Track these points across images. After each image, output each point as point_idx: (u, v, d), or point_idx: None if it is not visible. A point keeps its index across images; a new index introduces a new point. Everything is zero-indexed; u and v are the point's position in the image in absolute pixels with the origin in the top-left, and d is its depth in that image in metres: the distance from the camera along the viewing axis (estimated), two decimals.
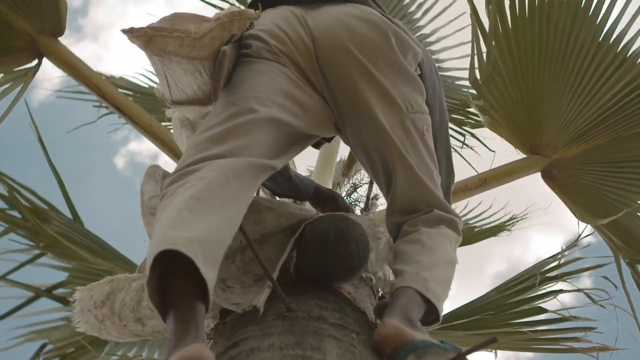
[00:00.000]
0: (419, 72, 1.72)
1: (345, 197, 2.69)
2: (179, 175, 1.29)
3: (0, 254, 3.39)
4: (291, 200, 2.23)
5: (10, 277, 3.36)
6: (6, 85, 3.17)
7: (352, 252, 1.45)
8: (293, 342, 1.13)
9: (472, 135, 3.91)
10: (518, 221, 4.09)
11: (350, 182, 3.31)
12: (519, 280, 3.22)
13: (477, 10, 3.15)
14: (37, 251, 3.43)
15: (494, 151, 3.66)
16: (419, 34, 4.13)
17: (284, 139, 1.49)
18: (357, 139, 1.63)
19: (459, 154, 3.86)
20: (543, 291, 3.19)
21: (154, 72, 1.62)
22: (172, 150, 2.93)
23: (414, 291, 1.34)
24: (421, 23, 4.20)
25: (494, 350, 3.25)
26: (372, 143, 1.60)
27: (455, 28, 4.11)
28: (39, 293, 3.48)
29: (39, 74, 3.24)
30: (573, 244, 3.34)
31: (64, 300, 3.55)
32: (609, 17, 3.03)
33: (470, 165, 3.71)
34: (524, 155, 3.33)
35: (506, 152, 3.42)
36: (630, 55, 3.04)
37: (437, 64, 3.28)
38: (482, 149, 3.86)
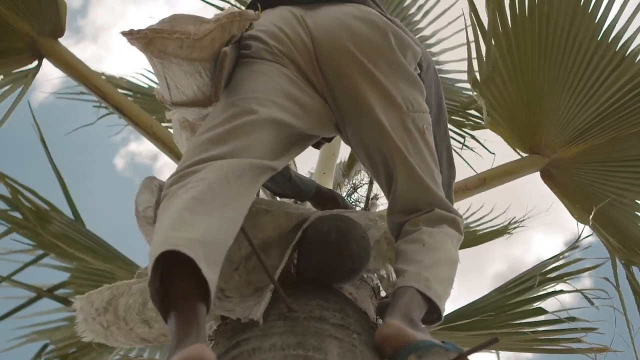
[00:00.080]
0: (419, 72, 1.73)
1: (345, 198, 2.68)
2: (179, 176, 1.29)
3: (1, 254, 3.39)
4: (292, 200, 2.24)
5: (12, 277, 3.36)
6: (7, 87, 3.18)
7: (353, 252, 1.45)
8: (294, 343, 1.13)
9: (472, 137, 3.92)
10: (519, 226, 4.09)
11: (351, 182, 3.31)
12: (520, 281, 3.22)
13: (477, 10, 3.15)
14: (38, 252, 3.44)
15: (493, 153, 3.67)
16: (419, 35, 4.14)
17: (285, 140, 1.49)
18: (358, 138, 1.63)
19: (459, 155, 3.87)
20: (543, 292, 3.19)
21: (154, 73, 1.61)
22: (173, 151, 2.94)
23: (415, 291, 1.34)
24: (421, 25, 4.20)
25: (495, 351, 3.25)
26: (372, 143, 1.60)
27: (455, 30, 4.13)
28: (40, 293, 3.48)
29: (38, 75, 3.25)
30: (573, 245, 3.34)
31: (66, 301, 3.55)
32: (607, 15, 3.04)
33: (471, 167, 3.72)
34: (524, 155, 3.34)
35: (506, 154, 3.43)
36: (629, 54, 3.04)
37: (437, 66, 3.28)
38: (482, 151, 3.87)
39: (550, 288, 3.18)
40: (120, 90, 3.81)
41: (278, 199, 2.23)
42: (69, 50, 3.08)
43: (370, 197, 2.97)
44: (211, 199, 1.21)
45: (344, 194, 3.30)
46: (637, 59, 3.05)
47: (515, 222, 4.07)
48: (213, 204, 1.20)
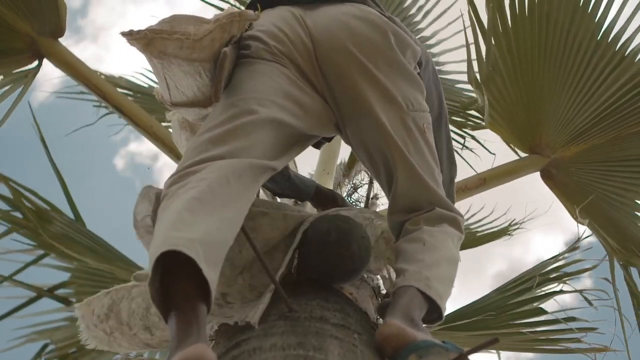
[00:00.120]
0: (418, 71, 1.73)
1: (345, 198, 2.68)
2: (179, 176, 1.29)
3: (2, 254, 3.39)
4: (293, 200, 2.24)
5: (13, 277, 3.36)
6: (7, 87, 3.18)
7: (353, 252, 1.45)
8: (295, 343, 1.13)
9: (473, 137, 3.92)
10: (519, 227, 4.09)
11: (351, 182, 3.32)
12: (520, 282, 3.22)
13: (477, 10, 3.15)
14: (39, 251, 3.44)
15: (494, 153, 3.67)
16: (419, 36, 4.14)
17: (285, 140, 1.49)
18: (358, 138, 1.63)
19: (460, 155, 3.87)
20: (544, 292, 3.20)
21: (154, 73, 1.61)
22: (173, 151, 2.94)
23: (415, 290, 1.34)
24: (421, 26, 4.21)
25: (495, 351, 3.25)
26: (373, 142, 1.60)
27: (455, 30, 4.13)
28: (41, 293, 3.48)
29: (38, 75, 3.25)
30: (573, 245, 3.34)
31: (66, 301, 3.55)
32: (607, 15, 3.04)
33: (471, 167, 3.72)
34: (524, 155, 3.34)
35: (506, 154, 3.43)
36: (628, 53, 3.04)
37: (437, 67, 3.28)
38: (482, 151, 3.87)
39: (550, 289, 3.18)
40: (120, 90, 3.81)
41: (278, 199, 2.23)
42: (69, 50, 3.09)
43: (370, 196, 2.97)
44: (211, 199, 1.21)
45: (344, 194, 3.31)
46: (637, 58, 3.05)
47: (516, 224, 4.07)
48: (213, 204, 1.20)
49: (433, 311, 1.39)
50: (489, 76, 3.16)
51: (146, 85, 4.27)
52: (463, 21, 3.15)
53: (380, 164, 1.62)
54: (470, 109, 3.79)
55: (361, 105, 1.58)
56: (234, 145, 1.35)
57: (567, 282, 3.18)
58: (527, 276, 3.22)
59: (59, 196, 3.52)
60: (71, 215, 3.56)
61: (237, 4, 3.99)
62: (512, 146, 3.41)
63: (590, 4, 3.03)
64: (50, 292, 3.54)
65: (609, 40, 3.04)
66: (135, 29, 1.44)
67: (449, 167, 1.87)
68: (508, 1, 3.09)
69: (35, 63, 3.18)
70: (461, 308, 3.21)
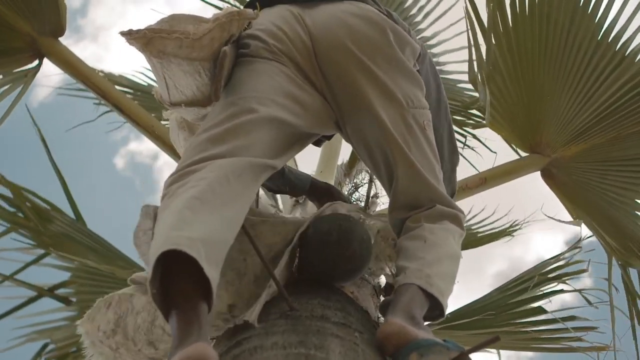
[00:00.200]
0: (417, 68, 1.73)
1: (341, 191, 2.66)
2: (179, 175, 1.29)
3: (2, 250, 3.39)
4: (293, 199, 2.23)
5: (13, 276, 3.36)
6: (6, 87, 3.17)
7: (354, 252, 1.45)
8: (296, 341, 1.13)
9: (474, 136, 3.92)
10: (520, 228, 4.10)
11: (352, 182, 3.31)
12: (521, 281, 3.22)
13: (477, 9, 3.15)
14: (39, 251, 3.44)
15: (495, 152, 3.67)
16: (420, 36, 4.14)
17: (284, 138, 1.49)
18: (358, 135, 1.63)
19: (461, 154, 3.86)
20: (544, 291, 3.20)
21: (153, 73, 1.61)
22: (173, 150, 2.93)
23: (417, 288, 1.34)
24: (422, 26, 4.20)
25: (496, 350, 3.25)
26: (373, 139, 1.60)
27: (456, 31, 4.13)
28: (41, 292, 3.48)
29: (38, 75, 3.25)
30: (574, 245, 3.34)
31: (66, 300, 3.55)
32: (607, 15, 3.03)
33: (473, 166, 3.72)
34: (524, 155, 3.34)
35: (507, 153, 3.43)
36: (628, 53, 3.04)
37: (438, 67, 3.28)
38: (483, 150, 3.87)
39: (550, 288, 3.19)
40: (120, 88, 3.81)
41: (275, 204, 2.22)
42: (69, 50, 3.08)
43: (371, 195, 2.96)
44: (212, 198, 1.20)
45: (345, 193, 3.30)
46: (637, 58, 3.04)
47: (517, 224, 4.07)
48: (214, 203, 1.20)
49: (435, 308, 1.39)
50: (490, 76, 3.16)
51: (146, 84, 4.27)
52: (467, 21, 3.14)
53: (380, 161, 1.62)
54: (472, 108, 3.79)
55: (361, 102, 1.58)
56: (234, 144, 1.35)
57: (566, 282, 3.19)
58: (527, 276, 3.22)
59: (59, 196, 3.53)
60: (72, 215, 3.56)
61: (237, 4, 3.98)
62: (513, 145, 3.41)
63: (590, 4, 3.03)
64: (50, 291, 3.54)
65: (609, 40, 3.04)
66: (135, 28, 1.44)
67: (451, 155, 1.87)
68: (508, 1, 3.09)
69: (36, 62, 3.17)
70: (462, 307, 3.21)
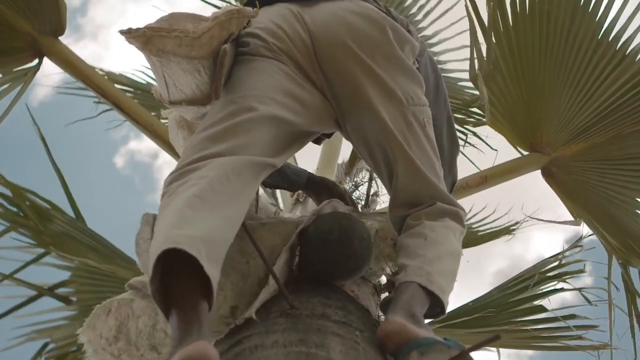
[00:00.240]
0: (417, 66, 1.73)
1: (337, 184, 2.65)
2: (179, 173, 1.29)
3: (2, 249, 3.39)
4: (294, 198, 2.22)
5: (13, 276, 3.36)
6: (6, 85, 3.17)
7: (355, 250, 1.45)
8: (297, 340, 1.13)
9: (474, 134, 3.92)
10: (520, 226, 4.10)
11: (352, 181, 3.31)
12: (521, 280, 3.22)
13: (477, 8, 3.15)
14: (39, 250, 3.44)
15: (496, 149, 3.67)
16: (420, 35, 4.13)
17: (284, 137, 1.49)
18: (358, 133, 1.63)
19: (462, 152, 3.87)
20: (544, 290, 3.20)
21: (152, 72, 1.61)
22: (173, 149, 2.93)
23: (417, 286, 1.34)
24: (423, 24, 4.21)
25: (497, 348, 3.26)
26: (373, 137, 1.60)
27: (457, 30, 4.13)
28: (41, 292, 3.48)
29: (38, 74, 3.24)
30: (574, 244, 3.34)
31: (66, 300, 3.55)
32: (608, 14, 3.03)
33: (473, 163, 3.72)
34: (525, 153, 3.34)
35: (507, 152, 3.43)
36: (629, 52, 3.04)
37: (439, 66, 3.28)
38: (484, 147, 3.88)
39: (551, 286, 3.19)
40: (120, 87, 3.80)
41: (274, 204, 2.22)
42: (69, 49, 3.08)
43: (370, 193, 2.96)
44: (212, 197, 1.20)
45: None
46: (638, 57, 3.04)
47: (517, 222, 4.07)
48: (214, 201, 1.20)
49: (435, 306, 1.39)
50: (490, 74, 3.16)
51: (145, 83, 4.26)
52: (469, 18, 3.14)
53: (380, 159, 1.62)
54: (473, 107, 3.79)
55: (361, 100, 1.58)
56: (233, 143, 1.35)
57: (566, 280, 3.19)
58: (527, 274, 3.22)
59: (59, 195, 3.53)
60: (71, 214, 3.56)
61: (237, 2, 3.98)
62: (513, 144, 3.41)
63: (591, 3, 3.03)
64: (50, 290, 3.54)
65: (609, 39, 3.04)
66: (134, 27, 1.44)
67: (450, 144, 1.87)
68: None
69: (36, 61, 3.17)
70: (462, 306, 3.22)
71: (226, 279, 1.41)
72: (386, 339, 1.20)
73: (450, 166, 1.86)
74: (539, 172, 3.32)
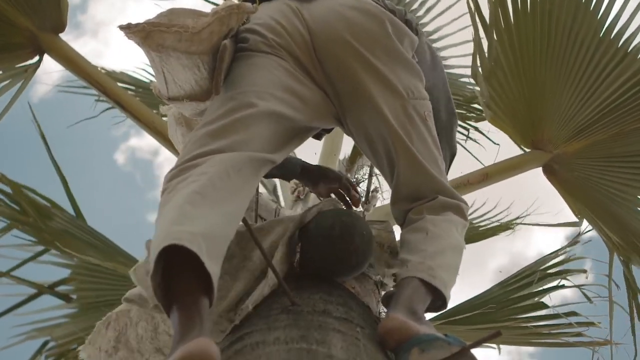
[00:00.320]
0: (417, 60, 1.73)
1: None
2: (179, 170, 1.29)
3: (2, 247, 3.39)
4: (294, 195, 2.22)
5: (13, 274, 3.36)
6: (6, 82, 3.17)
7: (357, 247, 1.45)
8: (298, 336, 1.13)
9: (476, 129, 3.93)
10: (521, 222, 4.10)
11: (353, 178, 3.31)
12: (522, 276, 3.22)
13: (479, 6, 3.15)
14: (39, 248, 3.44)
15: (498, 144, 3.67)
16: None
17: (284, 133, 1.49)
18: (359, 128, 1.63)
19: (463, 146, 3.89)
20: (545, 287, 3.20)
21: (151, 67, 1.60)
22: (174, 146, 2.93)
23: (418, 281, 1.34)
24: (425, 20, 4.21)
25: (497, 345, 3.26)
26: (374, 131, 1.60)
27: (458, 26, 4.13)
28: (41, 290, 3.48)
29: (38, 71, 3.24)
30: (574, 240, 3.34)
31: (67, 298, 3.55)
32: (610, 12, 3.03)
33: (476, 158, 3.72)
34: (527, 150, 3.34)
35: (509, 149, 3.43)
36: (631, 50, 3.04)
37: None
38: (486, 143, 3.88)
39: (551, 283, 3.19)
40: (121, 85, 3.80)
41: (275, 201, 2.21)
42: (70, 46, 3.08)
43: (370, 190, 2.96)
44: (212, 193, 1.20)
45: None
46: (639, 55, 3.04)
47: (518, 218, 4.08)
48: (214, 198, 1.20)
49: (437, 299, 1.38)
50: (492, 71, 3.16)
51: (147, 81, 4.26)
52: (471, 15, 3.13)
53: (382, 153, 1.62)
54: (474, 102, 3.79)
55: (361, 95, 1.58)
56: (233, 139, 1.35)
57: (567, 277, 3.19)
58: (528, 271, 3.22)
59: (59, 192, 3.53)
60: (72, 212, 3.56)
61: None
62: (515, 141, 3.41)
63: (592, 1, 3.03)
64: (50, 289, 3.54)
65: (611, 37, 3.04)
66: (133, 22, 1.44)
67: (449, 116, 1.86)
68: None
69: (36, 58, 3.17)
70: (463, 302, 3.22)
71: (234, 274, 1.41)
72: (387, 335, 1.19)
73: (448, 138, 1.85)
74: (540, 169, 3.32)
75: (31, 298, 3.48)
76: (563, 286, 3.16)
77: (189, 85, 1.55)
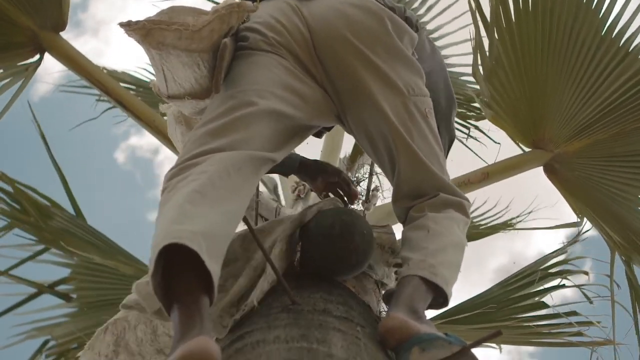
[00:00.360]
0: (417, 57, 1.72)
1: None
2: (179, 169, 1.29)
3: (2, 247, 3.39)
4: (295, 194, 2.21)
5: (13, 273, 3.36)
6: (6, 80, 3.17)
7: (357, 246, 1.45)
8: (298, 335, 1.12)
9: (477, 128, 3.92)
10: (521, 220, 4.10)
11: (354, 176, 3.31)
12: (522, 276, 3.22)
13: (480, 4, 3.14)
14: (39, 247, 3.44)
15: (499, 143, 3.66)
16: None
17: (284, 131, 1.49)
18: (360, 126, 1.63)
19: (465, 144, 3.89)
20: (545, 286, 3.20)
21: (151, 65, 1.60)
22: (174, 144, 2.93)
23: (419, 279, 1.33)
24: (425, 19, 4.20)
25: (498, 345, 3.26)
26: (374, 129, 1.60)
27: (459, 24, 4.13)
28: (41, 289, 3.48)
29: (39, 69, 3.24)
30: (574, 239, 3.34)
31: (67, 297, 3.55)
32: (611, 11, 3.03)
33: (477, 155, 3.72)
34: (527, 149, 3.33)
35: (510, 148, 3.43)
36: (632, 49, 3.03)
37: None
38: (487, 141, 3.87)
39: (552, 283, 3.19)
40: (122, 84, 3.80)
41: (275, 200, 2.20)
42: (70, 44, 3.08)
43: (371, 189, 2.96)
44: (212, 192, 1.20)
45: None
46: None
47: (518, 217, 4.08)
48: (214, 196, 1.20)
49: (439, 296, 1.38)
50: (493, 70, 3.15)
51: (147, 80, 4.26)
52: (472, 13, 3.13)
53: (383, 151, 1.61)
54: (475, 101, 3.79)
55: (361, 92, 1.57)
56: (233, 138, 1.35)
57: (567, 277, 3.19)
58: (529, 270, 3.22)
59: (59, 191, 3.53)
60: (71, 211, 3.56)
61: None
62: (516, 140, 3.41)
63: (594, 0, 3.02)
64: (50, 288, 3.54)
65: (612, 36, 3.03)
66: (134, 19, 1.43)
67: (447, 100, 1.86)
68: None
69: (37, 57, 3.17)
70: (464, 302, 3.21)
71: (239, 271, 1.41)
72: (387, 334, 1.19)
73: (447, 123, 1.85)
74: (541, 168, 3.32)
75: (31, 297, 3.48)
76: (563, 286, 3.16)
77: (188, 83, 1.55)
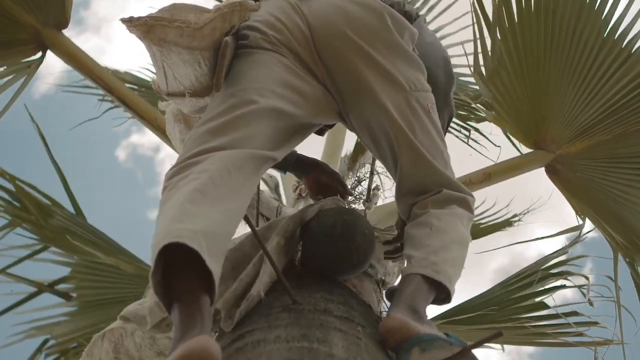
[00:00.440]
0: (417, 53, 1.72)
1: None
2: (180, 167, 1.29)
3: (2, 250, 3.39)
4: (296, 193, 2.20)
5: (13, 272, 3.36)
6: (9, 77, 3.17)
7: (358, 245, 1.45)
8: (299, 335, 1.12)
9: (477, 130, 3.92)
10: (521, 219, 4.09)
11: (355, 175, 3.31)
12: (523, 276, 3.21)
13: (483, 5, 3.14)
14: (39, 246, 3.44)
15: (499, 146, 3.66)
16: None
17: (285, 129, 1.48)
18: (362, 123, 1.62)
19: (467, 143, 3.88)
20: (547, 286, 3.20)
21: (152, 62, 1.60)
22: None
23: (421, 278, 1.33)
24: (427, 19, 4.19)
25: (500, 345, 3.25)
26: (376, 125, 1.59)
27: (460, 25, 4.12)
28: (41, 288, 3.48)
29: (41, 67, 3.24)
30: (575, 240, 3.34)
31: (66, 296, 3.55)
32: (614, 12, 3.03)
33: (481, 153, 3.72)
34: (529, 150, 3.33)
35: (511, 149, 3.43)
36: (635, 51, 3.03)
37: None
38: (488, 143, 3.87)
39: (552, 283, 3.18)
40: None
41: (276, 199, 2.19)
42: (72, 42, 3.08)
43: (372, 188, 2.96)
44: (213, 191, 1.20)
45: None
46: None
47: (518, 215, 4.08)
48: (215, 195, 1.19)
49: (441, 292, 1.37)
50: (495, 71, 3.15)
51: (149, 79, 4.27)
52: (474, 14, 3.13)
53: (385, 147, 1.61)
54: (476, 102, 3.78)
55: (362, 89, 1.57)
56: (234, 136, 1.34)
57: (568, 278, 3.18)
58: (530, 271, 3.21)
59: (60, 190, 3.53)
60: (72, 209, 3.56)
61: None
62: (517, 141, 3.41)
63: (597, 1, 3.02)
64: (50, 287, 3.54)
65: (615, 38, 3.03)
66: (135, 16, 1.43)
67: (446, 78, 1.85)
68: None
69: (39, 54, 3.17)
70: (464, 302, 3.21)
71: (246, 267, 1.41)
72: (388, 334, 1.19)
73: (445, 98, 1.84)
74: (543, 169, 3.31)
75: (31, 296, 3.48)
76: (564, 286, 3.15)
77: (188, 81, 1.55)
